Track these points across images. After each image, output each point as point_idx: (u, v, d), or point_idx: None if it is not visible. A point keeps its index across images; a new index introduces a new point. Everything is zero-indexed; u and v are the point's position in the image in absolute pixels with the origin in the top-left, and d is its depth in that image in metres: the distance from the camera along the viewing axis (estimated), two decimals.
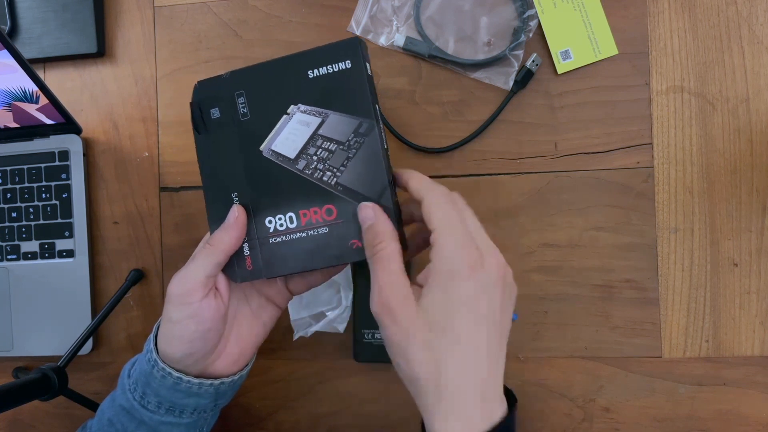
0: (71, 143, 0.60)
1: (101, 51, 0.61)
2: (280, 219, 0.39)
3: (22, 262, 0.61)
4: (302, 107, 0.38)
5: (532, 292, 0.55)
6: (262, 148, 0.39)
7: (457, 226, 0.35)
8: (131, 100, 0.62)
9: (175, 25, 0.61)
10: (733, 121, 0.54)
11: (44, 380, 0.50)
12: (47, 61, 0.62)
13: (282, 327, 0.58)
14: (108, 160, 0.62)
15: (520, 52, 0.55)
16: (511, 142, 0.56)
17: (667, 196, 0.54)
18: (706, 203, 0.54)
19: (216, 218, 0.40)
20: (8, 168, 0.61)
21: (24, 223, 0.61)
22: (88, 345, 0.59)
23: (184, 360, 0.40)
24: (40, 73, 0.62)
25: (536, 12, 0.55)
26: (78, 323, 0.59)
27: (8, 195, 0.61)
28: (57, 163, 0.60)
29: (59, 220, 0.60)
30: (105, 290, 0.61)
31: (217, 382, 0.42)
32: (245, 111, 0.39)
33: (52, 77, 0.63)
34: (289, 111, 0.38)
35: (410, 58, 0.57)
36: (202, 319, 0.39)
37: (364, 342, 0.55)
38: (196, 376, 0.41)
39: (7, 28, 0.61)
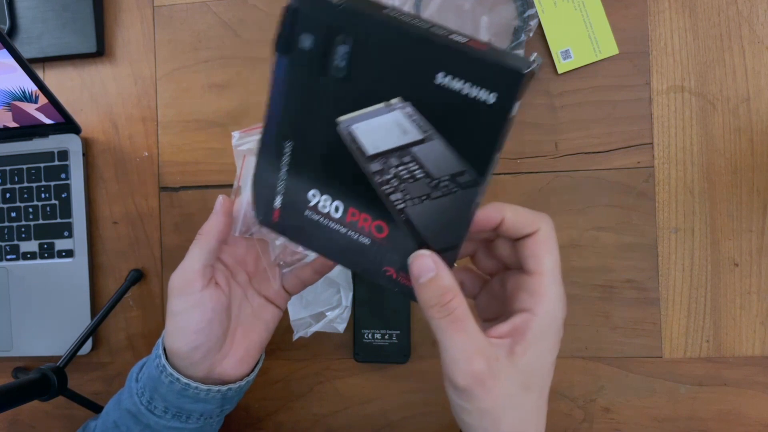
0: (70, 143, 0.60)
1: (101, 51, 0.61)
2: (325, 200, 0.33)
3: (21, 262, 0.61)
4: (409, 109, 0.29)
5: None
6: (340, 120, 0.30)
7: (560, 274, 0.32)
8: (131, 99, 0.62)
9: (174, 24, 0.61)
10: (733, 120, 0.53)
11: (44, 380, 0.50)
12: (47, 60, 0.62)
13: (282, 327, 0.57)
14: (107, 160, 0.62)
15: (520, 52, 0.55)
16: (511, 142, 0.56)
17: (667, 196, 0.54)
18: (706, 203, 0.54)
19: (263, 153, 0.34)
20: (8, 168, 0.61)
21: (23, 223, 0.61)
22: (88, 345, 0.59)
23: (192, 355, 0.40)
24: (40, 73, 0.62)
25: (536, 11, 0.55)
26: (77, 323, 0.59)
27: (7, 195, 0.61)
28: (56, 162, 0.60)
29: (58, 220, 0.60)
30: (104, 290, 0.61)
31: (224, 388, 0.42)
32: (342, 65, 0.29)
33: (52, 77, 0.63)
34: (392, 102, 0.29)
35: None
36: (205, 309, 0.39)
37: (364, 342, 0.55)
38: (204, 380, 0.41)
39: (6, 27, 0.61)
